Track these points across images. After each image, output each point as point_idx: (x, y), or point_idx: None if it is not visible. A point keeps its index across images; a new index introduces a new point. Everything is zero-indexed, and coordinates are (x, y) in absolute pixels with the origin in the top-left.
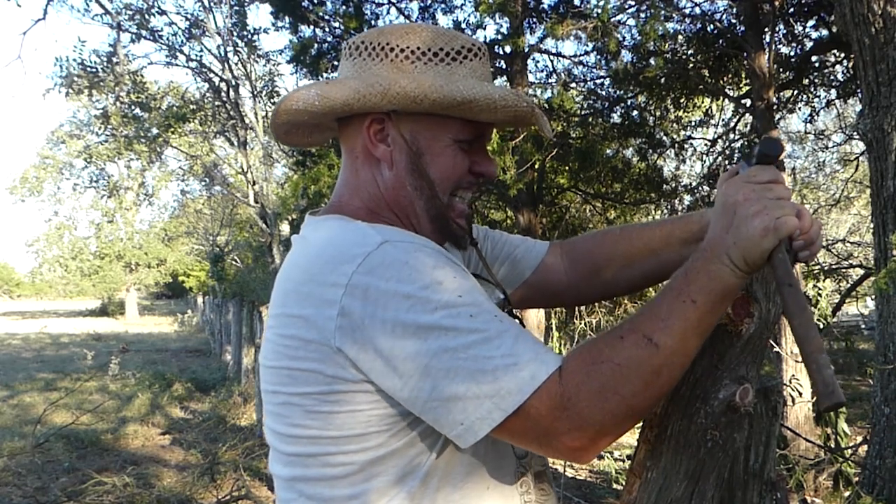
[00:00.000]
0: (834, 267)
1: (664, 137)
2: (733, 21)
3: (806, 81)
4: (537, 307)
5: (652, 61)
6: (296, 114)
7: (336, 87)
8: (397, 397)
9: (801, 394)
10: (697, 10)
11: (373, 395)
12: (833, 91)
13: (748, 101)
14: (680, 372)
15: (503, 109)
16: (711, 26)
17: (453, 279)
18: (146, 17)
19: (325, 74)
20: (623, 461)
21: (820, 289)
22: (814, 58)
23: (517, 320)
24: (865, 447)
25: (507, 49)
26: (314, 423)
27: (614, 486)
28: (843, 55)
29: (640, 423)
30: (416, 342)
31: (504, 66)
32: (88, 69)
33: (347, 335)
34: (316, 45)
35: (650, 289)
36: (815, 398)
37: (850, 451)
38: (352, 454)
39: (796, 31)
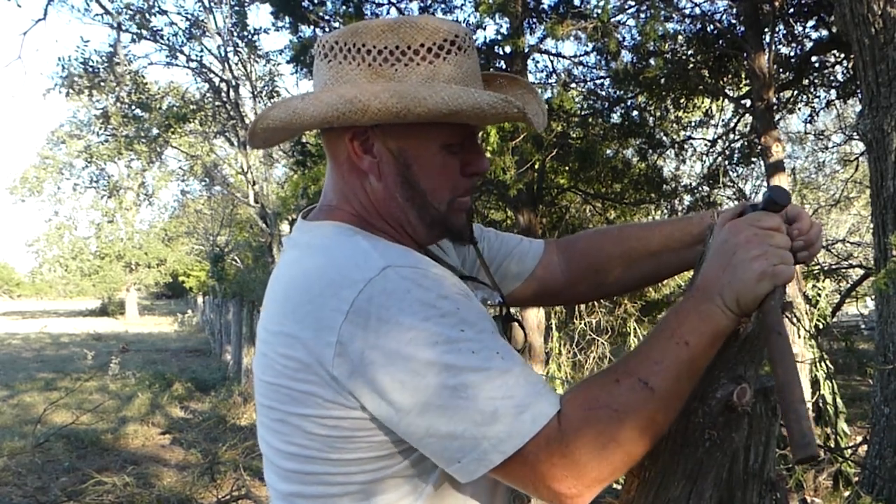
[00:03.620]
0: (834, 267)
1: (664, 137)
2: (733, 21)
3: (806, 81)
4: (534, 306)
5: (652, 61)
6: (273, 132)
7: (312, 104)
8: (394, 429)
9: None
10: (697, 10)
11: (370, 423)
12: (833, 91)
13: (748, 102)
14: (674, 415)
15: (492, 116)
16: (711, 26)
17: (456, 311)
18: (146, 17)
19: None
20: None
21: (820, 289)
22: (814, 58)
23: (517, 321)
24: (865, 447)
25: (507, 49)
26: (312, 444)
27: (614, 485)
28: (843, 55)
29: None
30: (414, 377)
31: (504, 66)
32: (90, 69)
33: (346, 364)
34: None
35: (649, 288)
36: (789, 448)
37: (850, 451)
38: (352, 475)
39: (796, 31)
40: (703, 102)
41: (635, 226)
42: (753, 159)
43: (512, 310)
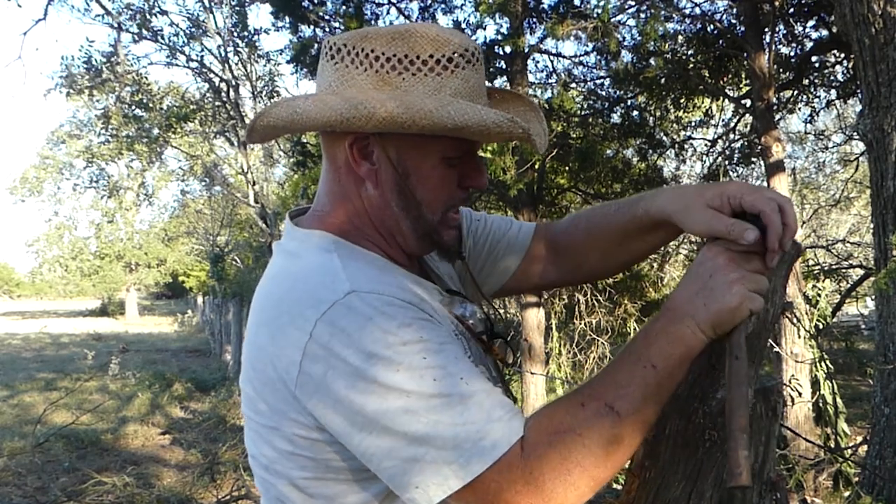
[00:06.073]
0: (834, 267)
1: (664, 137)
2: (733, 21)
3: (806, 81)
4: (521, 294)
5: (652, 61)
6: (273, 129)
7: (317, 106)
8: (354, 452)
9: (800, 394)
10: (697, 10)
11: (329, 447)
12: (833, 91)
13: (748, 101)
14: (640, 438)
15: (497, 135)
16: (711, 26)
17: (419, 339)
18: (147, 17)
19: None
20: None
21: (820, 289)
22: (814, 58)
23: (501, 338)
24: (865, 447)
25: (507, 49)
26: (278, 457)
27: (613, 485)
28: (843, 55)
29: None
30: (375, 401)
31: (504, 66)
32: (93, 69)
33: (307, 385)
34: (316, 45)
35: (649, 288)
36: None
37: (850, 451)
38: (317, 498)
39: (796, 31)
40: (703, 102)
41: (603, 215)
42: (753, 159)
43: (512, 310)
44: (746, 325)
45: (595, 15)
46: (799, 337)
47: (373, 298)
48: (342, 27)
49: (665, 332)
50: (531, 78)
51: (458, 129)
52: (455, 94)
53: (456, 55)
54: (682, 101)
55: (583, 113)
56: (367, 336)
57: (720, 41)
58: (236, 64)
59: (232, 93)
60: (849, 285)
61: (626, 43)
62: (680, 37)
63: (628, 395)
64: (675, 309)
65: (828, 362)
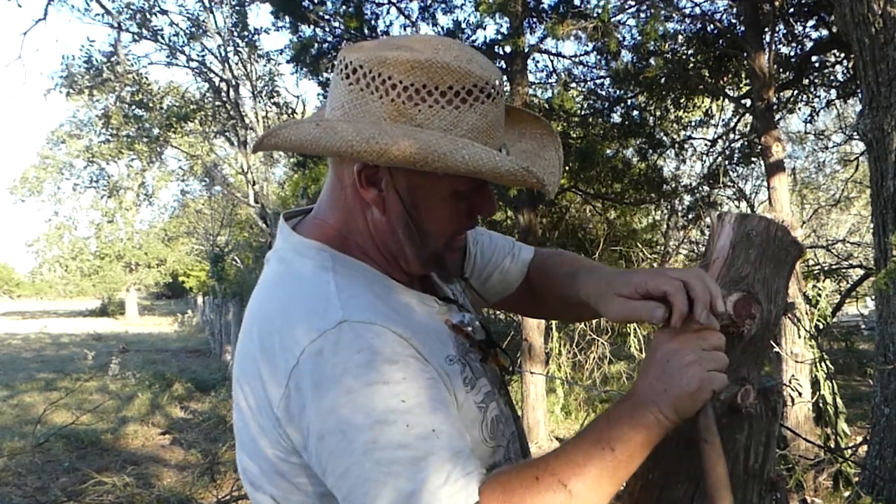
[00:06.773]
0: (834, 267)
1: (664, 137)
2: (733, 21)
3: (806, 81)
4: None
5: (652, 61)
6: (281, 148)
7: (327, 134)
8: (323, 481)
9: (800, 394)
10: (697, 10)
11: (303, 471)
12: (833, 91)
13: (748, 101)
14: None
15: (510, 182)
16: (711, 26)
17: (402, 379)
18: (147, 17)
19: (325, 74)
20: None
21: (820, 289)
22: (814, 58)
23: (499, 347)
24: (865, 447)
25: (507, 49)
26: (261, 475)
27: None
28: (843, 55)
29: None
30: (343, 439)
31: (504, 66)
32: (93, 69)
33: (289, 411)
34: (316, 45)
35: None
36: None
37: (850, 451)
38: None
39: (796, 31)
40: (703, 102)
41: (559, 275)
42: (753, 159)
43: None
44: (714, 405)
45: (595, 15)
46: (799, 337)
47: (363, 329)
48: (342, 27)
49: (629, 417)
50: (531, 78)
51: (470, 173)
52: (471, 130)
53: (475, 88)
54: (682, 101)
55: (583, 113)
56: (351, 370)
57: (720, 41)
58: (236, 64)
59: (232, 93)
60: (849, 285)
61: (626, 43)
62: (680, 37)
63: (583, 475)
64: (638, 395)
65: (828, 362)
